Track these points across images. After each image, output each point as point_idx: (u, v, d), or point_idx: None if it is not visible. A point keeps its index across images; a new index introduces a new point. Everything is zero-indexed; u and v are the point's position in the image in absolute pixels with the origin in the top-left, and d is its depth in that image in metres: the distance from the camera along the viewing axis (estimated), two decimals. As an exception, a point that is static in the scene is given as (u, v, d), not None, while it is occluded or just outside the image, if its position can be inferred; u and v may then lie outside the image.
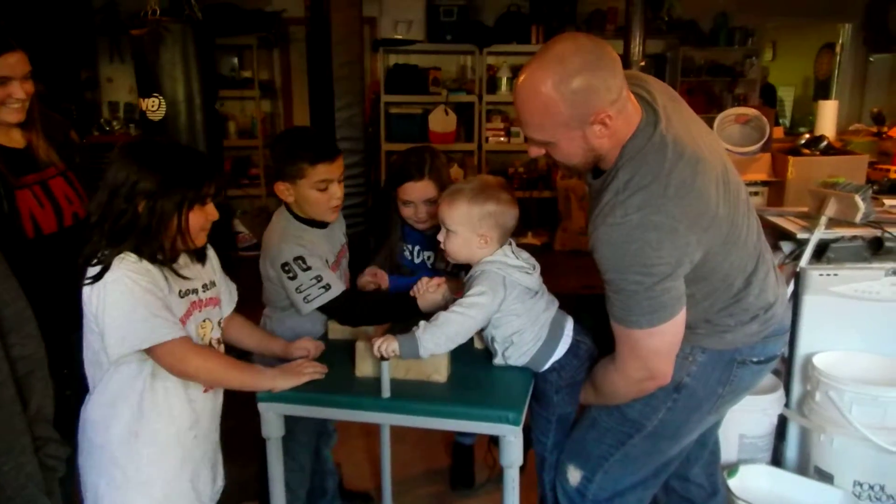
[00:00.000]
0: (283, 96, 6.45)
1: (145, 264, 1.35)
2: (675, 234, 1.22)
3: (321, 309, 1.72)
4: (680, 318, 1.30)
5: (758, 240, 1.42)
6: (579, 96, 1.22)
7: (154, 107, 3.25)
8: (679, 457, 1.59)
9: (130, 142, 1.60)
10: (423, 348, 1.41)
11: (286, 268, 1.69)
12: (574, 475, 1.57)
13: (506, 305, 1.49)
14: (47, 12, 6.24)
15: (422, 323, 1.43)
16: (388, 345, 1.40)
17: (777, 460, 2.46)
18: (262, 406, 1.49)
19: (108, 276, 1.32)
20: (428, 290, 1.63)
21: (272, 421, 1.49)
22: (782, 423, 2.43)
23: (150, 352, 1.34)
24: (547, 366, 1.55)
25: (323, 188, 1.74)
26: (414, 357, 1.42)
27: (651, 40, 6.36)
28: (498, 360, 1.57)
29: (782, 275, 1.60)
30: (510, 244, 1.55)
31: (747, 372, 1.47)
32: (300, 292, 1.69)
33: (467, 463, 2.55)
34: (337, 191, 1.77)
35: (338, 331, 1.77)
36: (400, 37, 5.95)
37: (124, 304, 1.31)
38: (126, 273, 1.32)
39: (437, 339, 1.42)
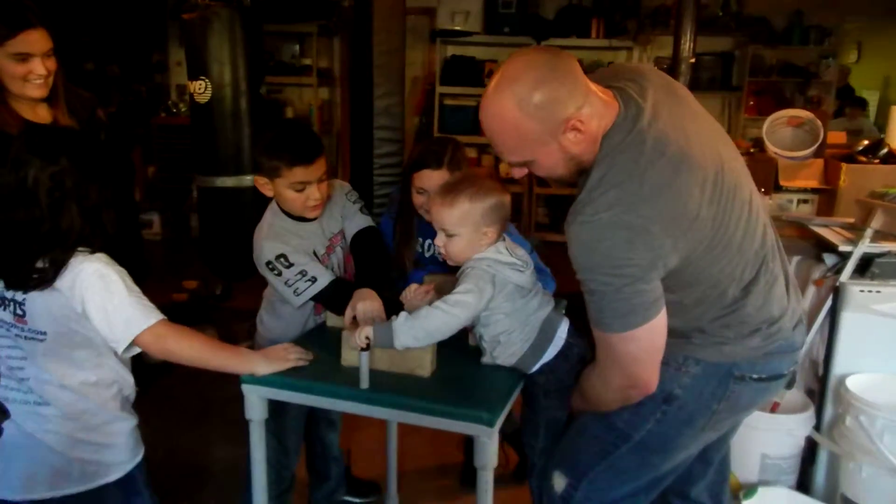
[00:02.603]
0: (341, 84, 6.53)
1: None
2: (648, 235, 1.15)
3: (313, 300, 1.72)
4: (657, 324, 1.22)
5: (761, 248, 1.32)
6: (544, 111, 1.19)
7: (201, 89, 3.34)
8: (673, 473, 1.51)
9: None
10: (399, 340, 1.38)
11: (270, 266, 1.69)
12: (559, 482, 1.52)
13: (494, 304, 1.45)
14: (123, -2, 6.52)
15: (402, 314, 1.40)
16: (362, 331, 1.38)
17: (806, 485, 2.33)
18: (244, 388, 1.50)
19: (81, 268, 1.32)
20: (416, 298, 1.58)
21: (254, 404, 1.50)
22: (815, 445, 2.29)
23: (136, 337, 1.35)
24: (535, 368, 1.50)
25: (300, 189, 1.70)
26: (388, 346, 1.39)
27: (718, 38, 6.13)
28: (486, 359, 1.53)
29: (798, 288, 1.48)
30: (504, 240, 1.51)
31: (746, 389, 1.38)
32: (289, 286, 1.69)
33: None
34: (314, 192, 1.71)
35: (336, 318, 1.77)
36: (458, 28, 5.92)
37: (116, 291, 1.33)
38: (98, 261, 1.34)
39: (416, 332, 1.39)
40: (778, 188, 2.82)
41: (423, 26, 6.26)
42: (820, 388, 2.31)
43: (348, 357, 1.52)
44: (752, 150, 3.18)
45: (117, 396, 1.45)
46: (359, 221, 1.91)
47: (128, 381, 1.48)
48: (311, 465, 2.25)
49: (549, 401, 1.52)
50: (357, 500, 2.38)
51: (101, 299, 1.31)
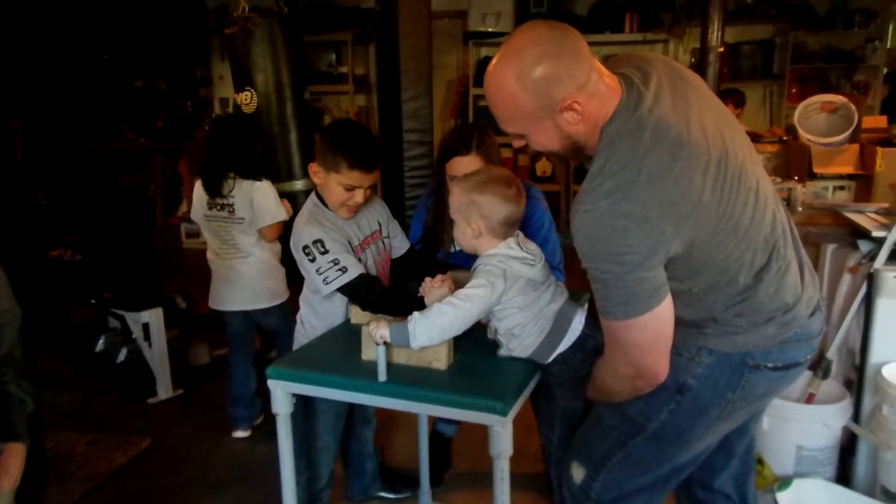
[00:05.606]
0: (377, 90, 6.62)
1: None
2: (646, 222, 1.16)
3: (340, 291, 1.78)
4: (661, 312, 1.23)
5: (771, 234, 1.31)
6: (541, 87, 1.20)
7: (247, 100, 3.46)
8: (692, 464, 1.51)
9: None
10: (415, 340, 1.41)
11: (306, 250, 1.76)
12: (578, 473, 1.53)
13: (507, 298, 1.47)
14: (167, 16, 6.77)
15: (415, 314, 1.44)
16: (380, 330, 1.43)
17: (847, 477, 2.28)
18: (270, 383, 1.56)
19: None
20: (433, 287, 1.62)
21: (280, 398, 1.56)
22: (855, 436, 2.24)
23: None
24: (551, 358, 1.52)
25: (349, 189, 1.79)
26: (405, 346, 1.44)
27: (757, 25, 6.00)
28: (503, 352, 1.56)
29: (815, 275, 1.46)
30: (516, 237, 1.54)
31: (762, 378, 1.37)
32: (320, 274, 1.75)
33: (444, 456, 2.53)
34: (359, 197, 1.81)
35: (359, 315, 1.82)
36: (490, 29, 5.94)
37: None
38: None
39: (431, 331, 1.42)
40: (812, 176, 2.75)
41: (456, 29, 6.31)
42: (858, 377, 2.26)
43: (368, 352, 1.57)
44: (785, 138, 3.11)
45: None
46: (402, 242, 2.06)
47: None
48: (347, 461, 2.31)
49: (564, 391, 1.54)
50: (391, 496, 2.42)
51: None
